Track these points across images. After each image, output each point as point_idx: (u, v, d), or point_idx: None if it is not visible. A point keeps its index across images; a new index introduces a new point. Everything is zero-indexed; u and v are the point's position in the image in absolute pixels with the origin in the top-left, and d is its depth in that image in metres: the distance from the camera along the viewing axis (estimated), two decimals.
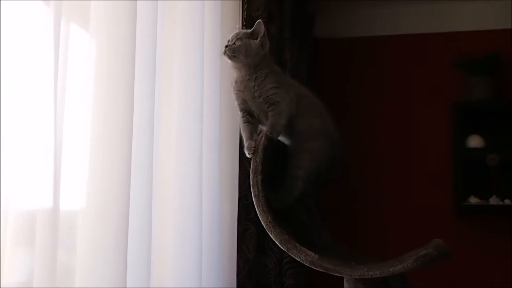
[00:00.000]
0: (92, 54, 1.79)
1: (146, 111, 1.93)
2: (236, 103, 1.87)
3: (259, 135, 1.76)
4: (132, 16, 1.82)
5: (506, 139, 3.80)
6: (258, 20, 1.88)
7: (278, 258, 2.92)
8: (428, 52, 4.08)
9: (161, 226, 2.14)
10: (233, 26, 2.49)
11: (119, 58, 1.79)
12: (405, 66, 4.12)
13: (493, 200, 3.65)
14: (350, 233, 3.80)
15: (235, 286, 2.68)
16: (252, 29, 1.86)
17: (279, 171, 1.77)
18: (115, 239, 1.70)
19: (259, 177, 1.62)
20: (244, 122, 1.86)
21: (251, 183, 1.63)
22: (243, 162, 2.70)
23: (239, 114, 1.88)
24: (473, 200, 3.69)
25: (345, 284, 1.56)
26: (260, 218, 1.61)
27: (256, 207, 1.62)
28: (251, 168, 1.66)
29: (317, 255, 1.54)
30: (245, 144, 1.80)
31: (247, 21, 2.82)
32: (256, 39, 1.83)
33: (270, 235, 1.60)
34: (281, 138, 1.83)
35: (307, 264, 1.56)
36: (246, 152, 1.76)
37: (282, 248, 1.59)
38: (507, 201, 3.64)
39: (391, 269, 1.47)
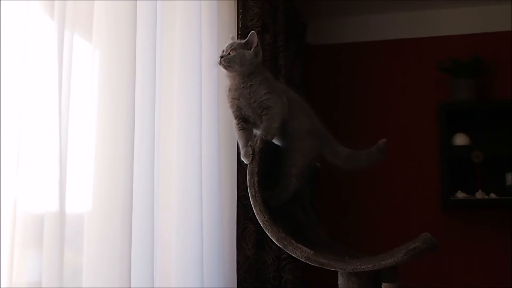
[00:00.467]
0: (95, 64, 1.79)
1: (147, 118, 1.93)
2: (230, 110, 1.87)
3: (254, 138, 1.75)
4: (132, 27, 1.82)
5: (490, 136, 3.81)
6: (252, 31, 1.87)
7: (276, 254, 2.92)
8: (415, 56, 4.09)
9: (164, 227, 2.14)
10: (229, 35, 2.49)
11: (120, 68, 1.79)
12: (392, 70, 4.12)
13: (479, 195, 3.65)
14: (344, 229, 3.80)
15: (236, 282, 2.67)
16: (246, 39, 1.85)
17: (273, 172, 1.77)
18: (120, 240, 1.70)
19: (256, 179, 1.62)
20: (239, 130, 1.86)
21: (248, 184, 1.63)
22: (241, 164, 2.70)
23: (233, 121, 1.87)
24: (460, 195, 3.69)
25: (339, 278, 1.56)
26: (257, 218, 1.61)
27: (253, 207, 1.61)
28: (247, 170, 1.65)
29: (312, 251, 1.54)
30: (242, 151, 1.79)
31: (242, 30, 2.82)
32: (250, 49, 1.83)
33: (267, 233, 1.60)
34: (274, 139, 1.83)
35: (302, 260, 1.56)
36: (243, 159, 1.75)
37: (278, 245, 1.58)
38: (492, 195, 3.64)
39: (382, 263, 1.47)
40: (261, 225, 1.60)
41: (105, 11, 1.77)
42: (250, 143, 1.75)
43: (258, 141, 1.69)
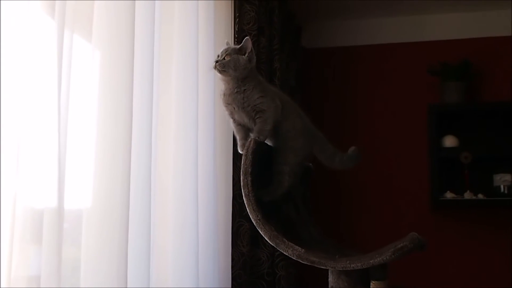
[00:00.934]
0: (95, 64, 1.78)
1: (145, 117, 1.93)
2: (227, 112, 1.88)
3: (249, 139, 1.76)
4: (131, 29, 1.82)
5: (478, 138, 3.83)
6: (246, 37, 1.88)
7: (270, 252, 2.92)
8: (406, 59, 4.10)
9: (160, 224, 2.14)
10: (226, 39, 2.49)
11: (119, 68, 1.78)
12: (384, 73, 4.13)
13: (467, 195, 3.66)
14: (336, 228, 3.81)
15: (230, 278, 2.67)
16: (240, 45, 1.85)
17: (267, 172, 1.77)
18: (118, 236, 1.70)
19: (249, 178, 1.62)
20: (237, 126, 1.87)
21: (241, 184, 1.63)
22: (236, 163, 2.70)
23: (231, 120, 1.88)
24: (449, 195, 3.70)
25: (330, 276, 1.56)
26: (250, 216, 1.61)
27: (246, 206, 1.62)
28: (241, 170, 1.65)
29: (303, 249, 1.54)
30: (239, 143, 1.81)
31: (239, 33, 2.82)
32: (244, 55, 1.83)
33: (260, 232, 1.60)
34: (266, 140, 1.84)
35: (294, 258, 1.56)
36: (240, 150, 1.77)
37: (271, 243, 1.59)
38: (480, 196, 3.65)
39: (371, 261, 1.47)
40: (254, 223, 1.61)
41: (105, 12, 1.77)
42: (247, 136, 1.77)
43: (251, 142, 1.69)
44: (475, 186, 3.67)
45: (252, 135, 1.79)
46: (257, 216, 1.59)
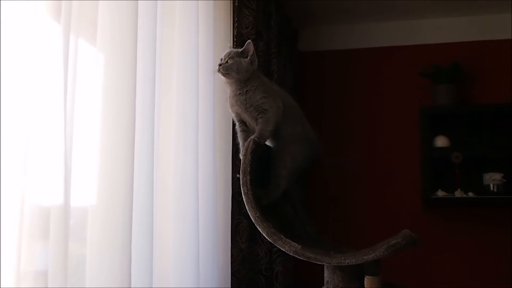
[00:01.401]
0: (99, 66, 1.79)
1: (147, 119, 1.93)
2: (232, 115, 1.88)
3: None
4: (134, 34, 1.83)
5: (468, 139, 3.84)
6: (248, 41, 1.88)
7: (268, 248, 2.93)
8: (398, 63, 4.11)
9: (162, 222, 2.14)
10: (225, 42, 2.50)
11: (123, 71, 1.79)
12: (378, 76, 4.14)
13: (458, 193, 3.67)
14: (331, 225, 3.82)
15: (230, 273, 2.68)
16: (242, 48, 1.86)
17: (266, 171, 1.78)
18: (121, 233, 1.70)
19: (248, 177, 1.63)
20: (241, 131, 1.87)
21: (241, 182, 1.64)
22: (236, 163, 2.71)
23: (237, 124, 1.88)
24: (440, 193, 3.71)
25: (325, 271, 1.57)
26: (249, 214, 1.62)
27: (245, 204, 1.62)
28: (240, 169, 1.66)
29: (300, 246, 1.54)
30: (241, 150, 1.80)
31: (237, 38, 2.83)
32: (246, 58, 1.84)
33: (259, 229, 1.61)
34: (267, 141, 1.84)
35: (291, 254, 1.57)
36: (241, 157, 1.76)
37: (269, 240, 1.59)
38: (470, 194, 3.66)
39: (365, 257, 1.48)
40: (253, 221, 1.61)
41: (109, 17, 1.78)
42: None
43: (251, 143, 1.70)
44: (465, 185, 3.69)
45: (252, 136, 1.79)
46: (256, 214, 1.60)
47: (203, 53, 2.49)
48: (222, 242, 2.66)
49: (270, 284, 2.98)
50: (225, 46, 1.97)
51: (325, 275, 1.57)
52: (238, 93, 1.83)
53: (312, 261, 1.55)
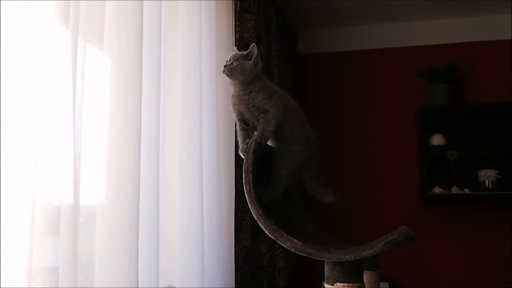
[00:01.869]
0: (106, 70, 1.80)
1: (153, 121, 1.95)
2: (233, 114, 1.89)
3: (250, 140, 1.77)
4: (139, 38, 1.84)
5: (464, 137, 3.84)
6: (252, 44, 1.89)
7: (271, 244, 2.94)
8: (396, 63, 4.11)
9: (168, 220, 2.15)
10: (227, 46, 2.51)
11: (129, 73, 1.80)
12: (376, 76, 4.14)
13: (454, 190, 3.67)
14: (331, 221, 3.82)
15: (234, 268, 2.69)
16: (247, 51, 1.87)
17: (267, 170, 1.78)
18: (129, 230, 1.71)
19: (250, 176, 1.63)
20: (241, 130, 1.87)
21: (243, 181, 1.64)
22: (238, 162, 2.71)
23: (237, 123, 1.89)
24: (437, 190, 3.71)
25: (326, 266, 1.57)
26: (251, 211, 1.62)
27: (248, 202, 1.62)
28: (243, 168, 1.66)
29: (300, 242, 1.55)
30: (240, 146, 1.81)
31: (239, 41, 2.83)
32: (250, 60, 1.84)
33: (261, 226, 1.61)
34: (268, 141, 1.84)
35: (292, 250, 1.57)
36: (240, 153, 1.77)
37: (271, 236, 1.59)
38: (466, 190, 3.66)
39: (363, 253, 1.48)
40: (255, 218, 1.61)
41: (115, 22, 1.79)
42: (247, 140, 1.77)
43: (253, 142, 1.70)
44: (461, 182, 3.68)
45: (254, 136, 1.79)
46: (258, 212, 1.60)
47: (206, 56, 2.50)
48: (226, 239, 2.67)
49: (273, 279, 3.00)
50: (227, 49, 1.99)
51: (325, 270, 1.58)
52: (241, 93, 1.83)
53: (313, 257, 1.55)
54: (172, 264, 2.17)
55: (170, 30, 2.25)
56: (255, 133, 1.80)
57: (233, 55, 1.87)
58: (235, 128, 1.92)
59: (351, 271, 1.55)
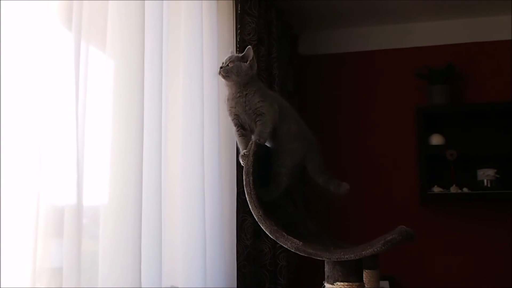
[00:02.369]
0: (109, 71, 1.80)
1: (155, 122, 1.95)
2: (230, 118, 1.88)
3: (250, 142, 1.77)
4: (141, 39, 1.85)
5: (462, 137, 3.83)
6: (248, 46, 1.89)
7: (272, 244, 2.93)
8: (395, 64, 4.11)
9: (171, 220, 2.16)
10: (228, 48, 2.51)
11: (131, 76, 1.81)
12: (375, 77, 4.14)
13: (453, 189, 3.66)
14: (332, 221, 3.83)
15: (236, 268, 2.69)
16: (243, 53, 1.87)
17: (267, 171, 1.78)
18: (132, 231, 1.72)
19: (251, 178, 1.63)
20: (239, 136, 1.87)
21: (244, 183, 1.64)
22: (239, 164, 2.71)
23: (234, 129, 1.89)
24: (436, 189, 3.70)
25: (326, 266, 1.57)
26: (252, 212, 1.62)
27: (249, 203, 1.62)
28: (244, 170, 1.66)
29: (301, 242, 1.54)
30: (241, 153, 1.81)
31: (240, 44, 2.83)
32: (246, 62, 1.84)
33: (261, 227, 1.61)
34: (266, 142, 1.85)
35: (293, 250, 1.57)
36: (241, 160, 1.77)
37: (271, 237, 1.59)
38: (465, 190, 3.65)
39: (363, 252, 1.48)
40: (256, 219, 1.61)
41: (118, 24, 1.79)
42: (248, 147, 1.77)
43: (253, 145, 1.70)
44: (460, 181, 3.68)
45: (253, 138, 1.80)
46: (259, 212, 1.60)
47: (207, 59, 2.50)
48: (228, 239, 2.66)
49: (274, 278, 2.99)
50: (228, 52, 1.98)
51: (325, 269, 1.58)
52: (237, 95, 1.83)
53: (313, 257, 1.55)
54: (175, 264, 2.17)
55: (172, 32, 2.25)
56: (253, 136, 1.81)
57: (229, 57, 1.87)
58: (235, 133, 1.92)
59: (351, 271, 1.55)
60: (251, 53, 1.85)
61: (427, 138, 3.76)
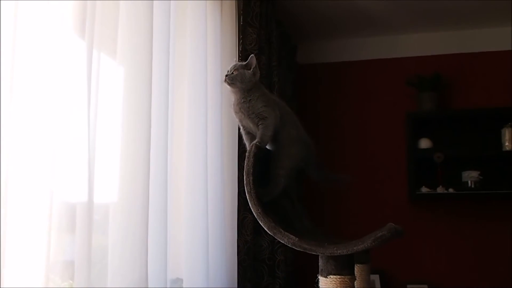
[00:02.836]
0: (119, 77, 1.80)
1: (161, 125, 1.95)
2: (237, 119, 1.89)
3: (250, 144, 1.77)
4: (150, 48, 1.84)
5: (449, 140, 3.85)
6: (251, 55, 1.89)
7: (271, 239, 2.93)
8: (387, 73, 4.11)
9: (176, 217, 2.15)
10: (231, 57, 2.52)
11: (140, 81, 1.80)
12: (369, 85, 4.14)
13: (440, 189, 3.67)
14: (326, 218, 3.83)
15: (236, 262, 2.69)
16: (246, 61, 1.86)
17: (266, 171, 1.78)
18: (139, 227, 1.71)
19: (251, 178, 1.63)
20: (246, 134, 1.88)
21: (244, 182, 1.64)
22: (241, 164, 2.71)
23: (241, 128, 1.89)
24: (424, 189, 3.71)
25: (320, 260, 1.57)
26: (252, 210, 1.62)
27: (249, 201, 1.62)
28: (244, 170, 1.66)
29: (297, 238, 1.54)
30: (247, 147, 1.81)
31: (242, 53, 2.83)
32: (249, 70, 1.84)
33: (260, 223, 1.61)
34: (267, 145, 1.84)
35: (289, 245, 1.57)
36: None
37: (269, 233, 1.59)
38: (450, 190, 3.66)
39: (355, 248, 1.48)
40: (256, 216, 1.61)
41: (128, 33, 1.79)
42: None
43: (253, 147, 1.70)
44: (446, 182, 3.69)
45: (255, 140, 1.79)
46: (258, 210, 1.60)
47: (211, 66, 2.50)
48: (229, 235, 2.66)
49: (273, 271, 2.99)
50: (231, 60, 1.98)
51: (319, 263, 1.57)
52: (242, 101, 1.83)
53: (308, 252, 1.55)
54: (179, 258, 2.16)
55: (178, 41, 2.25)
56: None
57: (234, 65, 1.87)
58: (240, 134, 1.92)
59: (344, 265, 1.54)
60: (254, 61, 1.85)
61: (416, 142, 3.77)
